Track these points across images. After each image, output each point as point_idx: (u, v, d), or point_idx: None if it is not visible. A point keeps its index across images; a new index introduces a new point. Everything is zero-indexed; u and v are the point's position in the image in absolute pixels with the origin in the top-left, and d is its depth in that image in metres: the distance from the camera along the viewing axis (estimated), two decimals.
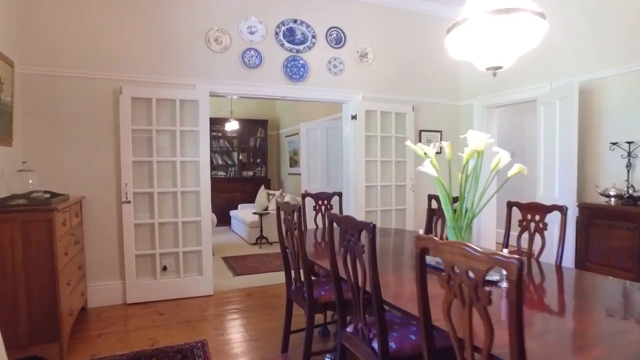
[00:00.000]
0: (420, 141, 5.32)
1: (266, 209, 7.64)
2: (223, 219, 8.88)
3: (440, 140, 5.47)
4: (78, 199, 3.51)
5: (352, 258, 1.88)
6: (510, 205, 2.79)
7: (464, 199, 2.15)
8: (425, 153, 2.23)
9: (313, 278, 2.77)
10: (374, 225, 1.73)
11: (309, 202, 3.88)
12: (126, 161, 3.80)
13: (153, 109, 3.88)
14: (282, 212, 2.80)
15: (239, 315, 3.66)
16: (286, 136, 9.19)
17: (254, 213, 6.79)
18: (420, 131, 5.32)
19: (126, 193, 3.80)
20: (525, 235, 2.62)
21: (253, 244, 6.88)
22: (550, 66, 4.27)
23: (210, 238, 4.23)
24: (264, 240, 6.82)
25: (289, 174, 9.19)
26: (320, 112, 7.49)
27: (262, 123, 9.59)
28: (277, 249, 6.46)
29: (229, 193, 9.18)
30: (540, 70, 4.38)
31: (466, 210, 2.10)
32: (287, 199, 7.13)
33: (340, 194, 3.94)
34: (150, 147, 3.92)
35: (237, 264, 5.51)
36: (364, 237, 1.78)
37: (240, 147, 9.39)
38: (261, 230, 6.78)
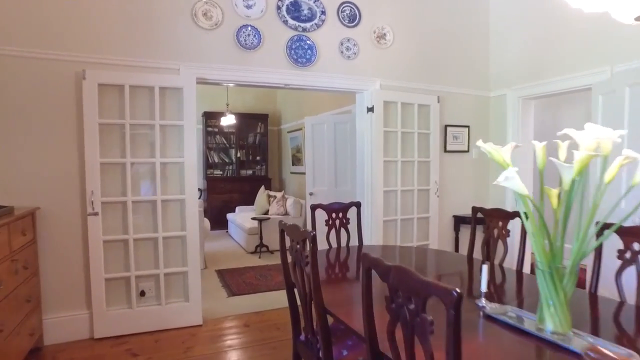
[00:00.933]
0: (446, 138, 4.57)
1: (266, 212, 6.91)
2: (220, 222, 8.17)
3: (468, 136, 4.72)
4: (28, 212, 2.77)
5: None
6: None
7: (563, 229, 1.41)
8: (504, 161, 1.47)
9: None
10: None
11: (320, 215, 3.14)
12: (92, 163, 3.05)
13: (126, 98, 3.13)
14: (287, 237, 2.07)
15: (232, 356, 2.93)
16: (288, 132, 8.44)
17: (253, 218, 6.05)
18: (446, 126, 4.57)
19: (92, 203, 3.05)
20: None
21: (252, 253, 6.14)
22: (610, 46, 3.50)
23: (199, 257, 3.49)
24: (263, 249, 6.09)
25: (292, 172, 8.45)
26: (326, 104, 6.73)
27: (262, 117, 8.84)
28: (278, 259, 5.73)
29: (226, 194, 8.45)
30: (596, 52, 3.61)
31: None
32: (289, 202, 6.39)
33: (358, 205, 3.20)
34: (122, 146, 3.17)
35: (232, 280, 4.77)
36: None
37: (238, 144, 8.65)
38: (261, 238, 6.04)
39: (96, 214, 3.08)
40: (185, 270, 3.39)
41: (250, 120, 8.80)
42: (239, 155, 8.63)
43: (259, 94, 9.15)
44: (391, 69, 4.23)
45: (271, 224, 6.17)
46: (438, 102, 4.38)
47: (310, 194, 6.16)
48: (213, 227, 8.21)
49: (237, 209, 7.79)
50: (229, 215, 7.61)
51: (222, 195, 8.41)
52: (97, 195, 3.07)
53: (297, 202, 6.32)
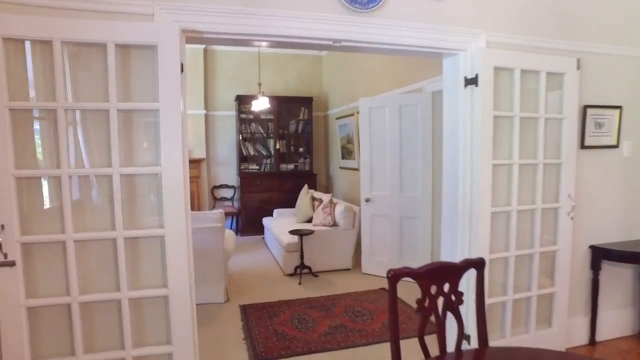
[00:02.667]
0: (584, 126, 2.91)
1: (309, 220, 5.51)
2: (255, 225, 6.91)
3: (619, 123, 3.01)
4: None
5: None
6: None
7: None
8: None
9: None
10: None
11: (405, 287, 1.68)
12: (1, 179, 1.77)
13: (56, 62, 1.80)
14: None
15: None
16: (337, 118, 6.97)
17: (292, 232, 4.67)
18: (585, 107, 2.90)
19: (1, 246, 1.78)
20: None
21: (290, 276, 4.79)
22: None
23: (191, 326, 2.14)
24: (305, 271, 4.71)
25: (341, 167, 6.98)
26: (386, 82, 5.17)
27: (306, 101, 7.41)
28: (325, 285, 4.32)
29: (262, 193, 7.15)
30: None
31: None
32: (339, 210, 4.94)
33: (480, 265, 1.67)
34: (55, 146, 1.86)
35: (260, 327, 3.44)
36: None
37: (277, 133, 7.29)
38: (301, 257, 4.66)
39: (12, 263, 1.80)
40: (169, 351, 2.06)
41: (291, 105, 7.40)
42: (278, 146, 7.29)
43: (302, 72, 7.71)
44: (504, 16, 2.62)
45: (315, 239, 4.76)
46: (577, 68, 2.72)
47: (367, 200, 4.68)
48: (247, 232, 7.00)
49: (275, 212, 6.47)
50: (265, 221, 6.30)
51: (259, 194, 7.12)
52: (13, 232, 1.78)
53: (349, 209, 4.87)
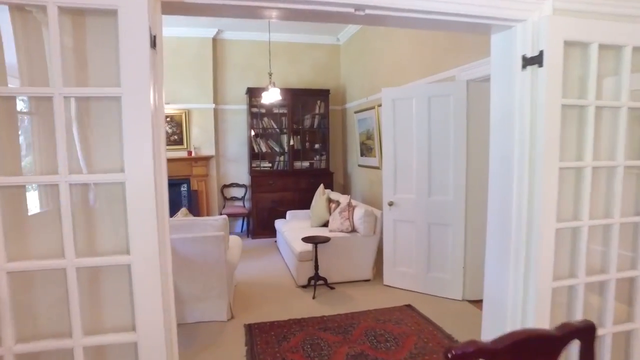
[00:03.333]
0: None
1: (325, 224, 5.00)
2: (268, 227, 6.45)
3: None
4: None
5: None
6: None
7: None
8: None
9: None
10: None
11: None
12: None
13: None
14: None
15: None
16: (355, 112, 6.42)
17: (305, 240, 4.16)
18: None
19: None
20: None
21: (303, 287, 4.29)
22: None
23: None
24: (320, 282, 4.21)
25: (360, 165, 6.44)
26: (413, 71, 4.61)
27: (322, 94, 6.87)
28: (342, 300, 3.80)
29: (275, 192, 6.67)
30: None
31: None
32: (358, 214, 4.41)
33: (588, 333, 1.12)
34: None
35: (268, 355, 2.94)
36: None
37: (291, 128, 6.78)
38: (316, 267, 4.15)
39: None
40: None
41: (306, 98, 6.88)
42: (292, 142, 6.78)
43: (317, 62, 7.17)
44: None
45: (331, 246, 4.25)
46: None
47: (390, 204, 4.14)
48: (259, 234, 6.53)
49: (289, 214, 5.98)
50: (278, 223, 5.82)
51: (271, 194, 6.64)
52: None
53: (370, 214, 4.33)
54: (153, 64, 1.50)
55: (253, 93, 6.55)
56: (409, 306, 3.79)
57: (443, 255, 3.97)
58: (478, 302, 3.83)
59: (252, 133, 6.69)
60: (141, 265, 1.50)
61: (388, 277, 4.33)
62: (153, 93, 1.49)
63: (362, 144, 6.22)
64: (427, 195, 3.99)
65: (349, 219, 4.44)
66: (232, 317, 3.58)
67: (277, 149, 6.87)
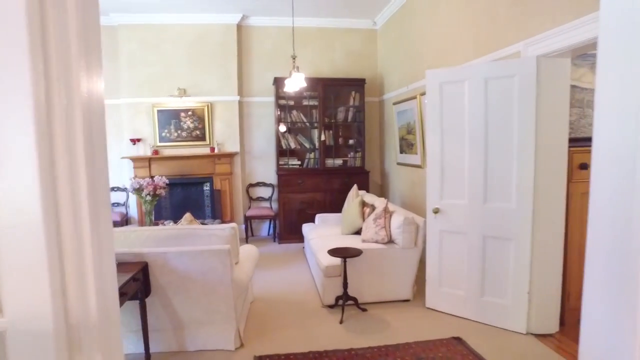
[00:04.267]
0: None
1: (358, 232, 4.32)
2: (296, 232, 5.85)
3: None
4: None
5: None
6: None
7: None
8: None
9: None
10: None
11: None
12: None
13: None
14: None
15: None
16: (394, 103, 5.69)
17: (332, 253, 3.50)
18: None
19: None
20: None
21: (330, 307, 3.64)
22: None
23: None
24: (349, 303, 3.55)
25: (399, 164, 5.71)
26: (465, 49, 3.83)
27: (357, 84, 6.17)
28: (376, 327, 3.09)
29: (305, 193, 6.06)
30: None
31: None
32: (396, 221, 3.69)
33: None
34: None
35: None
36: None
37: (322, 122, 6.13)
38: (345, 285, 3.49)
39: None
40: None
41: (339, 89, 6.21)
42: (323, 137, 6.13)
43: (352, 49, 6.48)
44: None
45: (364, 260, 3.57)
46: None
47: (435, 211, 3.41)
48: (286, 239, 5.97)
49: (318, 218, 5.35)
50: (305, 228, 5.20)
51: (300, 194, 6.04)
52: None
53: (410, 222, 3.61)
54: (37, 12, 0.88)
55: (280, 84, 5.96)
56: (457, 339, 3.05)
57: (502, 276, 3.19)
58: (547, 337, 3.03)
59: (280, 128, 6.11)
60: (20, 334, 0.90)
61: (431, 299, 3.60)
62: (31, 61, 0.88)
63: (402, 139, 5.48)
64: (482, 202, 3.22)
65: (385, 227, 3.74)
66: (242, 346, 2.98)
67: (307, 145, 6.25)
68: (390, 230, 3.74)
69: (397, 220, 3.70)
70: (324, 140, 6.13)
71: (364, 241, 3.85)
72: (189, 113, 6.13)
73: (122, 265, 2.66)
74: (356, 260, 3.54)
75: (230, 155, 6.21)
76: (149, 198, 4.49)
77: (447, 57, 4.15)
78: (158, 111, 6.06)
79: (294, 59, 4.21)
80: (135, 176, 6.08)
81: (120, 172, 6.08)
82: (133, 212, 6.24)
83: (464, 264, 3.38)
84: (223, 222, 6.23)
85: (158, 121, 6.08)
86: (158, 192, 4.54)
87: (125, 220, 6.26)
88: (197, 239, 2.85)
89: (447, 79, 3.37)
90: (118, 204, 6.31)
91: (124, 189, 6.28)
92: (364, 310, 3.57)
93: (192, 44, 6.04)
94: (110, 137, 6.28)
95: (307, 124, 6.23)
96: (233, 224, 2.97)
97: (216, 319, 2.87)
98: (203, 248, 2.73)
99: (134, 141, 6.03)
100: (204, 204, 6.36)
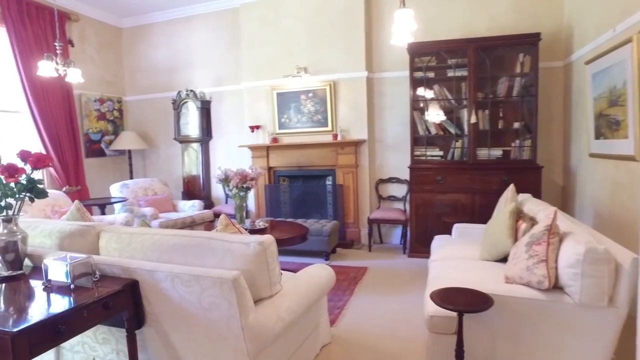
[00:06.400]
0: None
1: (504, 258, 2.70)
2: (429, 243, 4.40)
3: None
4: None
5: None
6: None
7: None
8: None
9: None
10: None
11: None
12: None
13: None
14: None
15: None
16: (587, 62, 3.68)
17: (439, 297, 2.08)
18: None
19: None
20: None
21: None
22: None
23: None
24: None
25: (593, 155, 3.69)
26: None
27: (527, 43, 4.29)
28: None
29: (446, 194, 4.55)
30: None
31: None
32: (571, 249, 2.02)
33: None
34: None
35: None
36: None
37: (473, 99, 4.49)
38: (459, 353, 2.03)
39: None
40: None
41: (501, 52, 4.45)
42: (474, 120, 4.49)
43: None
44: None
45: (499, 317, 2.04)
46: None
47: None
48: (417, 252, 4.65)
49: (456, 229, 3.82)
50: (436, 243, 3.71)
51: (438, 195, 4.56)
52: None
53: (601, 256, 1.88)
54: None
55: (416, 50, 4.60)
56: None
57: None
58: None
59: (415, 107, 4.73)
60: None
61: None
62: None
63: (600, 116, 3.47)
64: None
65: (546, 260, 2.10)
66: None
67: (451, 130, 4.71)
68: (556, 268, 2.08)
69: (571, 250, 2.01)
70: (476, 124, 4.49)
71: (507, 280, 2.28)
72: (310, 95, 5.31)
73: (106, 280, 1.91)
74: (484, 315, 2.04)
75: (356, 144, 5.14)
76: (235, 191, 3.81)
77: None
78: (277, 94, 5.42)
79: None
80: (252, 166, 5.60)
81: (240, 163, 5.67)
82: (251, 204, 5.78)
83: None
84: (346, 225, 5.23)
85: (277, 106, 5.44)
86: (247, 184, 3.81)
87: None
88: (209, 253, 1.89)
89: None
90: None
91: None
92: None
93: (312, 14, 5.19)
94: (232, 124, 5.97)
95: (453, 101, 4.68)
96: (264, 238, 1.90)
97: None
98: (199, 272, 1.75)
99: (253, 128, 5.54)
100: (326, 201, 5.47)
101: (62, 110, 5.27)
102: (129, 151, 6.28)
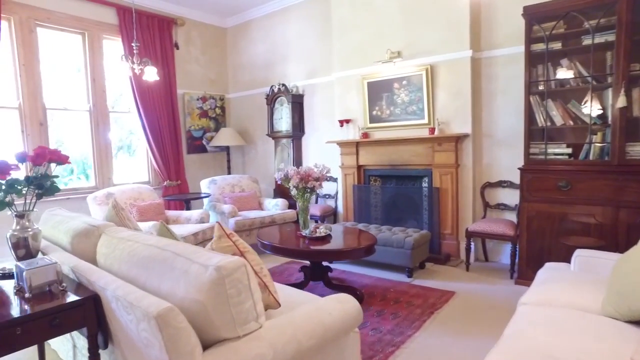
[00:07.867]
0: None
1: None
2: (539, 267, 3.35)
3: None
4: None
5: None
6: None
7: None
8: None
9: None
10: None
11: None
12: None
13: None
14: None
15: None
16: None
17: None
18: None
19: None
20: None
21: None
22: None
23: None
24: None
25: None
26: None
27: None
28: None
29: (572, 206, 3.42)
30: None
31: None
32: None
33: None
34: None
35: None
36: None
37: (623, 75, 3.24)
38: None
39: None
40: None
41: None
42: (621, 104, 3.23)
43: None
44: None
45: None
46: None
47: None
48: (527, 278, 3.60)
49: (577, 257, 2.75)
50: (542, 275, 2.70)
51: (560, 207, 3.44)
52: None
53: None
54: None
55: (536, 14, 3.54)
56: None
57: None
58: None
59: (529, 92, 3.66)
60: None
61: None
62: None
63: None
64: None
65: None
66: None
67: (584, 119, 3.51)
68: None
69: None
70: (625, 109, 3.24)
71: None
72: (403, 82, 4.59)
73: (79, 290, 1.67)
74: None
75: (456, 139, 4.26)
76: (294, 192, 3.40)
77: None
78: (368, 84, 4.83)
79: None
80: (342, 164, 5.14)
81: (331, 159, 5.25)
82: (340, 206, 5.31)
83: None
84: (442, 236, 4.42)
85: (368, 97, 4.86)
86: (310, 184, 3.37)
87: (332, 214, 5.45)
88: (168, 273, 1.50)
89: None
90: (328, 196, 5.56)
91: (335, 179, 5.45)
92: None
93: None
94: (324, 118, 5.58)
95: (590, 80, 3.47)
96: (226, 261, 1.41)
97: None
98: (133, 298, 1.36)
99: (342, 123, 5.07)
100: (422, 206, 4.70)
101: (165, 109, 5.58)
102: (228, 147, 6.41)
